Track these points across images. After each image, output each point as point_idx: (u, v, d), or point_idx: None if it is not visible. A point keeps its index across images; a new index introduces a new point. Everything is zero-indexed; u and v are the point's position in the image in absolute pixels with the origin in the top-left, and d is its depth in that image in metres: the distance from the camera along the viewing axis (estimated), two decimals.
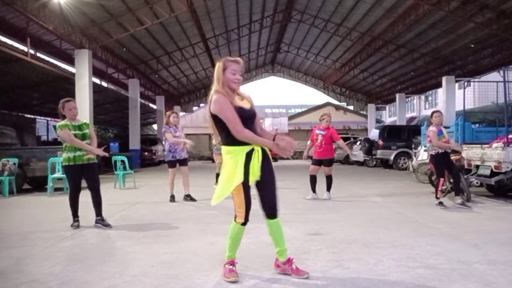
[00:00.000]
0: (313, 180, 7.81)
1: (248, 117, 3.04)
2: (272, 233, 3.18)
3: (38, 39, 15.24)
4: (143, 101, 25.32)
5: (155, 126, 34.18)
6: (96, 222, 5.25)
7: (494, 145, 7.42)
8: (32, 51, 14.39)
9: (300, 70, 33.96)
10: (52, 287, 3.02)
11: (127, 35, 16.27)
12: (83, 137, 5.23)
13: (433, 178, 8.68)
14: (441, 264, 3.45)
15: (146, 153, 22.17)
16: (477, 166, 7.87)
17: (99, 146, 5.58)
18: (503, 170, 7.06)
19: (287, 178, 12.50)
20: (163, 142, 8.32)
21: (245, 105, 3.09)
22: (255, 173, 3.02)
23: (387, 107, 38.36)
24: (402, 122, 26.81)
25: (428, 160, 7.63)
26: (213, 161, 12.37)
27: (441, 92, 23.64)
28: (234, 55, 24.11)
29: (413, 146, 14.22)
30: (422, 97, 33.22)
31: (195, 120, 36.91)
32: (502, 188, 7.76)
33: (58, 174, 9.00)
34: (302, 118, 37.27)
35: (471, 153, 8.09)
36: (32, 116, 22.86)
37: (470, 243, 4.18)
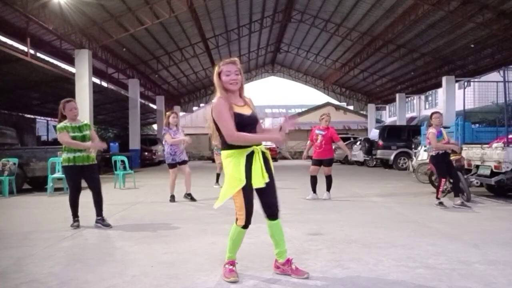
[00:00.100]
0: (313, 180, 7.81)
1: (247, 124, 3.04)
2: (273, 235, 3.17)
3: (38, 39, 15.24)
4: (143, 101, 25.33)
5: (155, 126, 34.18)
6: (97, 222, 5.25)
7: (494, 145, 7.42)
8: (32, 51, 14.40)
9: (300, 70, 33.96)
10: (52, 287, 3.02)
11: (127, 35, 16.27)
12: (83, 138, 5.20)
13: (433, 178, 8.70)
14: (441, 264, 3.46)
15: (146, 153, 22.17)
16: (477, 166, 7.87)
17: None
18: (503, 170, 7.06)
19: (287, 178, 12.50)
20: (163, 143, 8.32)
21: (245, 111, 3.08)
22: (259, 177, 3.00)
23: (387, 107, 38.37)
24: (402, 122, 26.81)
25: (428, 160, 7.63)
26: (213, 161, 12.39)
27: (441, 92, 23.65)
28: (234, 55, 24.10)
29: (413, 146, 14.22)
30: (422, 97, 33.21)
31: (195, 120, 36.93)
32: (502, 188, 7.75)
33: (58, 174, 9.00)
34: (302, 118, 37.14)
35: (471, 153, 8.09)
36: (32, 116, 22.88)
37: (470, 243, 4.18)
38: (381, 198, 7.99)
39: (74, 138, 5.13)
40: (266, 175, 3.02)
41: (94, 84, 16.41)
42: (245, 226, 3.05)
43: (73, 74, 15.03)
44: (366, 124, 32.95)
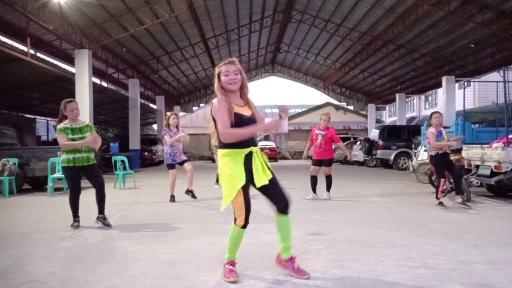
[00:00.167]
0: (313, 180, 7.81)
1: (246, 124, 3.04)
2: (281, 229, 3.18)
3: (38, 39, 15.24)
4: (143, 101, 25.33)
5: (155, 126, 34.18)
6: (97, 219, 5.23)
7: (494, 145, 7.42)
8: (32, 51, 14.40)
9: (300, 70, 33.96)
10: (52, 287, 3.02)
11: (127, 35, 16.28)
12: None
13: (433, 178, 8.69)
14: (441, 264, 3.45)
15: (146, 153, 22.17)
16: (477, 166, 7.87)
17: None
18: (503, 170, 7.06)
19: (287, 178, 12.48)
20: (163, 144, 8.34)
21: (245, 111, 3.10)
22: (262, 174, 3.02)
23: (387, 107, 38.37)
24: (402, 122, 26.81)
25: (428, 160, 7.63)
26: (213, 161, 12.38)
27: (441, 92, 23.64)
28: (234, 55, 24.17)
29: (413, 146, 14.22)
30: (422, 97, 33.21)
31: (195, 120, 36.90)
32: (502, 188, 7.76)
33: (58, 174, 8.99)
34: (302, 118, 37.25)
35: (471, 153, 8.09)
36: (32, 116, 22.88)
37: (470, 243, 4.18)
38: (381, 198, 7.98)
39: (74, 140, 5.11)
40: (268, 171, 3.06)
41: (94, 84, 16.41)
42: (244, 226, 3.06)
43: (73, 74, 15.04)
44: (366, 124, 32.96)
